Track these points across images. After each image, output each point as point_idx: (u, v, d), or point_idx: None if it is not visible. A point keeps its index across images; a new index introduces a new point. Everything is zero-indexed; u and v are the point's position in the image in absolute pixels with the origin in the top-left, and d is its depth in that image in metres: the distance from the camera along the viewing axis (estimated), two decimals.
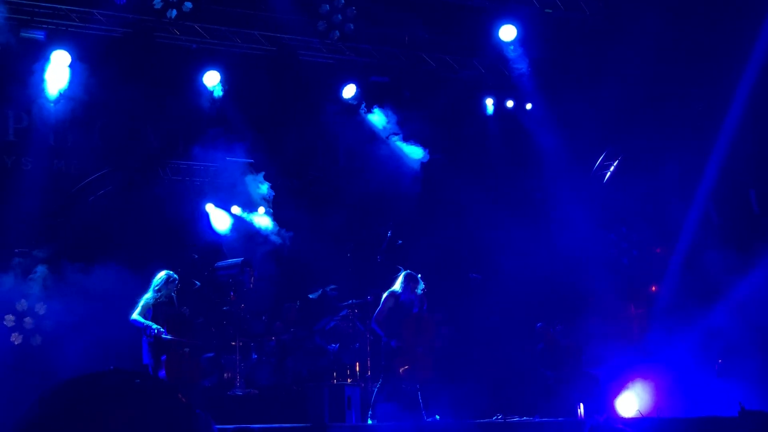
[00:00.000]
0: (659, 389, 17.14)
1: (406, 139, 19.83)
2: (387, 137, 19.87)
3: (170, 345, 13.45)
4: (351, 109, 19.73)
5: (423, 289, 14.72)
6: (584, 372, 17.10)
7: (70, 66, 17.02)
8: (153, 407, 2.86)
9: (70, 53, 16.96)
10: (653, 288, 20.53)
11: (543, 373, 17.06)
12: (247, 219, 19.54)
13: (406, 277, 14.73)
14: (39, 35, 17.02)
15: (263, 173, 19.03)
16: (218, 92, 18.52)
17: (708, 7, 17.70)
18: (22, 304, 16.17)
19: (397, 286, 14.76)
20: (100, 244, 17.27)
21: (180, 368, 13.56)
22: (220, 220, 19.40)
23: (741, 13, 17.60)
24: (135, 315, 13.53)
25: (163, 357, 13.42)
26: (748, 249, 18.25)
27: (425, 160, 19.70)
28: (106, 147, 18.64)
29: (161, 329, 13.40)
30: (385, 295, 14.75)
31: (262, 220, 19.54)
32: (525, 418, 15.37)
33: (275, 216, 19.35)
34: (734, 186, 19.22)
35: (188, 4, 16.45)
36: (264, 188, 19.05)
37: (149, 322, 13.43)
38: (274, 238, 19.31)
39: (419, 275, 14.80)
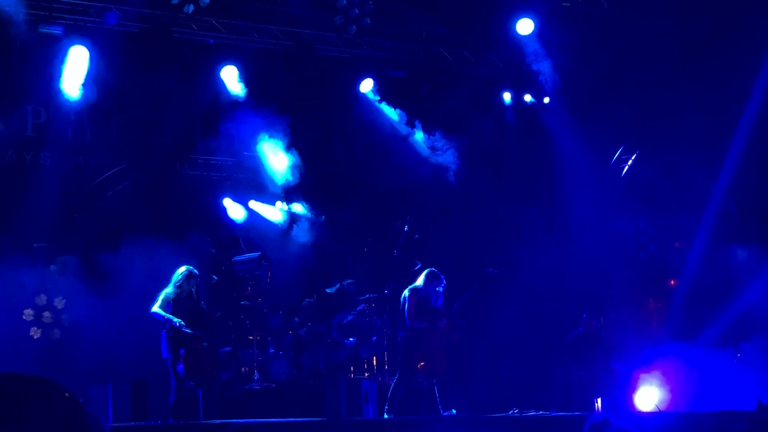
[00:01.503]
0: (677, 383, 17.11)
1: (423, 134, 19.84)
2: (405, 132, 19.88)
3: (188, 339, 13.49)
4: (369, 103, 19.74)
5: (444, 287, 14.74)
6: (610, 369, 17.05)
7: (88, 61, 17.06)
8: (39, 406, 2.87)
9: (88, 48, 17.00)
10: (672, 282, 20.47)
11: (569, 366, 17.00)
12: (265, 213, 19.60)
13: (428, 275, 14.76)
14: (57, 31, 17.06)
15: (289, 164, 19.04)
16: (236, 87, 18.53)
17: (727, 1, 17.62)
18: (41, 299, 16.25)
19: (419, 281, 14.78)
20: (119, 238, 17.31)
21: (198, 362, 13.62)
22: (237, 214, 19.46)
23: (762, 7, 17.52)
24: (155, 308, 13.57)
25: (182, 351, 13.47)
26: (765, 241, 18.20)
27: (442, 154, 19.72)
28: (124, 142, 18.70)
29: (182, 322, 13.44)
30: (407, 293, 14.73)
31: (279, 214, 19.60)
32: (541, 412, 15.36)
33: (295, 209, 19.46)
34: (752, 180, 19.14)
35: None
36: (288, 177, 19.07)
37: (170, 316, 13.47)
38: (291, 231, 19.37)
39: (442, 276, 14.79)
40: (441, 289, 14.66)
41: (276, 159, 19.05)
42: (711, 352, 17.57)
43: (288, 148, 19.00)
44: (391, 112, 19.82)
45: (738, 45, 18.18)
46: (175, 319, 13.45)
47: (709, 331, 18.05)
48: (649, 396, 16.80)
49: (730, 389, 16.61)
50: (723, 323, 18.13)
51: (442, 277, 14.72)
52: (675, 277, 20.26)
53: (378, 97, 19.66)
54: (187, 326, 13.49)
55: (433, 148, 19.87)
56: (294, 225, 19.47)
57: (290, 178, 19.08)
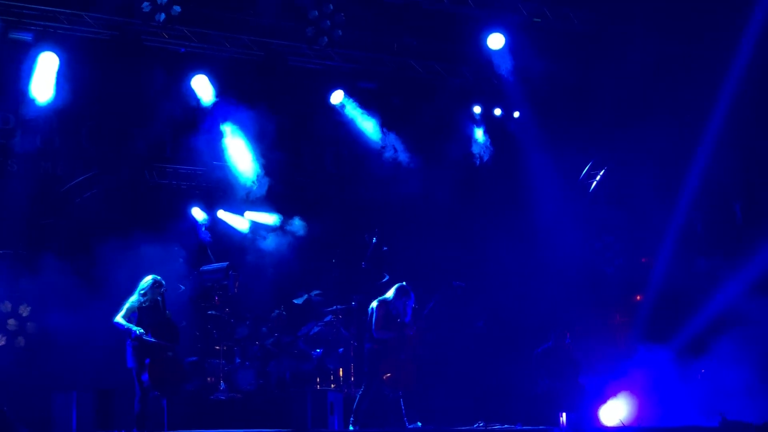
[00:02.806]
0: (643, 398, 17.18)
1: (393, 146, 19.87)
2: (374, 144, 19.90)
3: (154, 349, 13.42)
4: (339, 114, 19.76)
5: (413, 303, 14.73)
6: (579, 384, 17.11)
7: (58, 68, 16.97)
8: None
9: (57, 55, 16.91)
10: (638, 297, 20.57)
11: (536, 379, 17.04)
12: (233, 223, 19.58)
13: (399, 289, 14.75)
14: (27, 37, 16.96)
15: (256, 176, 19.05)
16: (206, 96, 18.50)
17: (693, 21, 17.78)
18: (5, 306, 16.17)
19: (389, 294, 14.77)
20: (86, 246, 17.25)
21: (163, 372, 13.54)
22: (205, 223, 19.42)
23: (724, 27, 17.70)
24: (118, 318, 13.48)
25: (147, 360, 13.39)
26: (731, 259, 18.33)
27: (411, 167, 19.77)
28: (93, 149, 18.64)
29: (142, 331, 13.36)
30: (375, 304, 14.72)
31: (247, 224, 19.59)
32: (506, 426, 15.39)
33: (264, 219, 19.47)
34: (719, 197, 19.30)
35: (177, 8, 16.39)
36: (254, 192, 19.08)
37: (130, 325, 13.38)
38: (259, 242, 19.36)
39: (412, 293, 14.78)
40: (410, 304, 14.67)
41: (245, 169, 19.04)
42: (676, 367, 17.66)
43: (257, 158, 18.99)
44: (362, 124, 19.84)
45: (705, 61, 18.35)
46: (135, 328, 13.36)
47: (675, 345, 18.15)
48: (614, 411, 16.85)
49: (694, 404, 16.70)
50: (688, 338, 18.24)
51: (412, 293, 14.72)
52: (641, 292, 20.36)
53: (350, 108, 19.66)
54: (151, 335, 13.42)
55: (402, 161, 19.90)
56: (262, 235, 19.45)
57: (259, 188, 19.08)
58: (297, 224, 19.41)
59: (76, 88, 17.23)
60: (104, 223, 18.03)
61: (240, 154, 19.01)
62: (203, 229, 19.37)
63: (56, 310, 16.17)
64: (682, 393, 17.20)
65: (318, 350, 17.69)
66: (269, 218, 19.57)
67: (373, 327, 14.59)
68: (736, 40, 17.78)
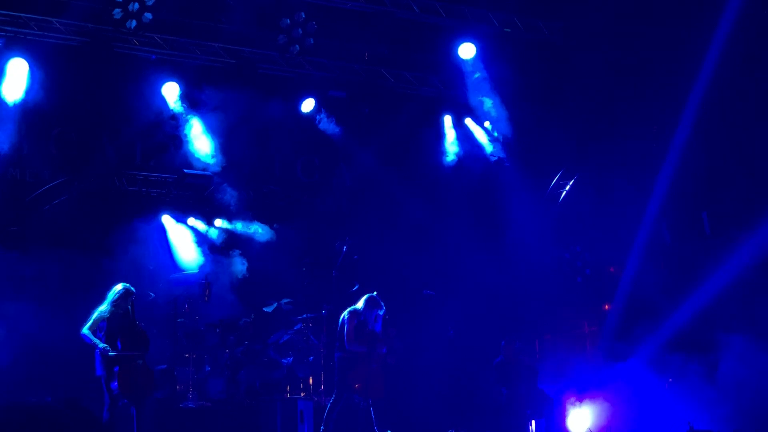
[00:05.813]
0: (611, 407, 17.27)
1: (363, 155, 19.90)
2: (345, 152, 19.92)
3: (122, 357, 13.36)
4: (310, 122, 19.77)
5: (384, 315, 14.71)
6: (538, 390, 17.19)
7: (28, 74, 16.88)
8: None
9: (27, 61, 16.84)
10: (606, 306, 20.68)
11: (498, 389, 17.11)
12: (204, 231, 19.53)
13: (368, 300, 14.73)
14: None
15: (226, 184, 19.03)
16: (177, 103, 18.47)
17: (660, 31, 17.93)
18: None
19: (360, 305, 14.76)
20: (55, 253, 17.14)
21: (133, 380, 13.48)
22: (175, 231, 19.37)
23: (691, 37, 17.84)
24: (85, 329, 13.38)
25: (116, 369, 13.33)
26: (698, 269, 18.45)
27: (381, 176, 19.81)
28: (62, 156, 18.53)
29: (107, 347, 13.28)
30: (346, 315, 14.68)
31: (218, 231, 19.56)
32: None
33: (234, 227, 19.45)
34: (687, 206, 19.42)
35: (148, 15, 16.37)
36: (225, 199, 19.08)
37: (96, 340, 13.31)
38: (230, 249, 19.33)
39: (382, 303, 14.78)
40: (381, 314, 14.66)
41: (215, 176, 19.02)
42: (644, 376, 17.76)
43: (228, 165, 18.96)
44: (332, 132, 19.87)
45: (673, 72, 18.48)
46: (101, 344, 13.30)
47: (642, 355, 18.24)
48: (582, 419, 16.94)
49: (662, 413, 16.80)
50: (656, 347, 18.33)
51: (382, 303, 14.71)
52: (609, 301, 20.46)
53: (320, 116, 19.69)
54: (116, 349, 13.34)
55: (372, 170, 19.93)
56: (232, 243, 19.42)
57: (229, 196, 19.08)
58: (267, 232, 19.41)
59: (46, 94, 17.14)
60: (73, 230, 17.93)
61: (210, 161, 18.97)
62: (173, 236, 19.30)
63: (24, 317, 16.04)
64: (650, 402, 17.29)
65: (288, 358, 17.66)
66: (240, 226, 19.54)
67: (345, 339, 14.57)
68: (703, 49, 17.92)
